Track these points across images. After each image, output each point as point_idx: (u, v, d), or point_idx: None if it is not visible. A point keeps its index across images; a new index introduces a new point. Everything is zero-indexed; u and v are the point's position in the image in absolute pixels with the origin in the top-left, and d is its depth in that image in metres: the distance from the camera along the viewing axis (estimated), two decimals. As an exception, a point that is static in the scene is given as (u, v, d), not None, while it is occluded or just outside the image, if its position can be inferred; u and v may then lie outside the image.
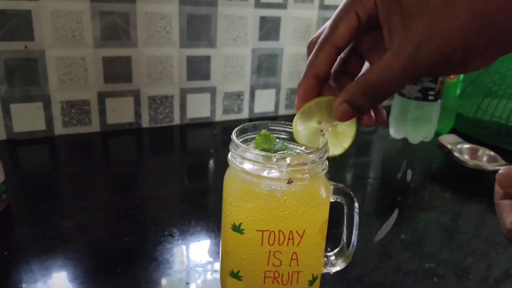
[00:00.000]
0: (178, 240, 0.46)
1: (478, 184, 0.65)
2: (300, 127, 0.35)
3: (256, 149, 0.37)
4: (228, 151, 0.34)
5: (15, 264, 0.41)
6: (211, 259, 0.44)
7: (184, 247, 0.45)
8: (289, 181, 0.32)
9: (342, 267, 0.39)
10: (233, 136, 0.34)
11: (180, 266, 0.42)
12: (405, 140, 0.80)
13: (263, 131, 0.37)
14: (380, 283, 0.42)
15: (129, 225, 0.49)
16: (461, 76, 0.80)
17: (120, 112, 0.74)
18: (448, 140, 0.69)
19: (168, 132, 0.78)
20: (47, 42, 0.66)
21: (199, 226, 0.49)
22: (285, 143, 0.37)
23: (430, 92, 0.74)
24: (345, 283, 0.42)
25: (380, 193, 0.63)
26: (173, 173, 0.64)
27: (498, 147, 0.74)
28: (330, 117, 0.35)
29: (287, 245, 0.33)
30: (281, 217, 0.32)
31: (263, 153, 0.32)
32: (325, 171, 0.35)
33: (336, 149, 0.37)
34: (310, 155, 0.32)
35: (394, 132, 0.81)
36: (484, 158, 0.66)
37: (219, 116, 0.83)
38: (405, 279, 0.43)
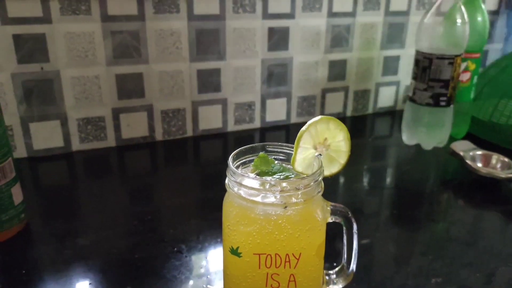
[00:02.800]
0: (186, 257, 0.48)
1: (491, 192, 0.63)
2: (298, 157, 0.35)
3: (254, 171, 0.38)
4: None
5: (32, 282, 0.44)
6: (216, 277, 0.45)
7: (192, 264, 0.47)
8: (285, 206, 0.32)
9: (343, 286, 0.39)
10: (229, 161, 0.35)
11: (186, 283, 0.44)
12: (418, 146, 0.79)
13: (261, 154, 0.38)
14: (384, 299, 0.42)
15: (140, 242, 0.51)
16: (475, 79, 0.78)
17: (135, 127, 0.77)
18: (461, 147, 0.68)
19: (182, 144, 0.80)
20: (62, 63, 0.68)
21: (207, 242, 0.50)
22: (283, 165, 0.38)
23: (441, 98, 0.73)
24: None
25: (388, 202, 0.63)
26: (186, 186, 0.66)
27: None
28: (322, 136, 0.36)
29: (284, 267, 0.34)
30: (277, 241, 0.33)
31: (257, 179, 0.33)
32: (321, 193, 0.35)
33: (333, 167, 0.37)
34: (304, 180, 0.33)
35: (407, 138, 0.80)
36: (498, 165, 0.65)
37: (231, 127, 0.84)
38: (410, 295, 0.43)
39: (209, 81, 0.79)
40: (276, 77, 0.84)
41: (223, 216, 0.36)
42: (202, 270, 0.46)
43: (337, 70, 0.89)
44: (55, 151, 0.72)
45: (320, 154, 0.36)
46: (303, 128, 0.35)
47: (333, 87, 0.91)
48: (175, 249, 0.49)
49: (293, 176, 0.36)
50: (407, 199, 0.63)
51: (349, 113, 0.95)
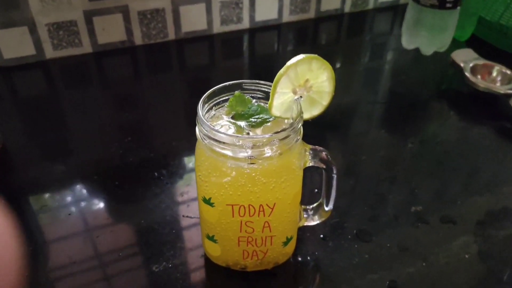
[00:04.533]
0: (167, 183, 0.47)
1: (487, 107, 0.61)
2: (276, 102, 0.32)
3: (230, 112, 0.35)
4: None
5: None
6: (197, 206, 0.45)
7: (173, 191, 0.46)
8: (251, 163, 0.30)
9: (320, 221, 0.39)
10: (199, 108, 0.32)
11: (166, 212, 0.44)
12: (417, 51, 0.73)
13: (237, 92, 0.35)
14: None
15: (120, 167, 0.50)
16: (489, -25, 0.70)
17: (110, 31, 0.70)
18: (462, 56, 0.64)
19: (164, 48, 0.74)
20: (18, -41, 0.60)
21: (188, 166, 0.50)
22: (261, 104, 0.35)
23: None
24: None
25: (378, 115, 0.61)
26: (169, 95, 0.63)
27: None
28: (303, 78, 0.32)
29: (258, 216, 0.33)
30: (251, 193, 0.32)
31: (227, 134, 0.31)
32: (299, 140, 0.33)
33: (314, 110, 0.35)
34: (279, 134, 0.30)
35: (406, 42, 0.74)
36: (499, 78, 0.61)
37: (217, 28, 0.77)
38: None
39: (190, -23, 0.70)
40: (266, -30, 0.75)
41: (195, 165, 0.34)
42: (183, 198, 0.46)
43: (336, -41, 0.79)
44: (28, 59, 0.68)
45: (300, 97, 0.33)
46: (281, 70, 0.31)
47: (331, -21, 0.81)
48: (156, 174, 0.49)
49: (271, 119, 0.34)
50: (397, 110, 0.61)
51: (347, 8, 0.87)
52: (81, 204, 0.45)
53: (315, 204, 0.39)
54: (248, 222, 0.33)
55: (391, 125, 0.59)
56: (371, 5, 0.88)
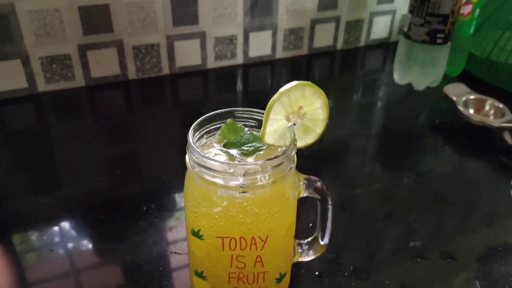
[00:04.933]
0: (155, 218, 0.46)
1: (481, 141, 0.60)
2: (269, 129, 0.31)
3: (221, 141, 0.34)
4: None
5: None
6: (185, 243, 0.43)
7: (161, 226, 0.45)
8: (243, 191, 0.29)
9: (315, 257, 0.38)
10: (189, 136, 0.31)
11: (153, 248, 0.42)
12: (409, 86, 0.74)
13: (229, 121, 0.34)
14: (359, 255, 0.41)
15: (107, 200, 0.48)
16: (476, 12, 0.71)
17: (104, 65, 0.70)
18: (454, 90, 0.64)
19: (157, 83, 0.74)
20: (14, -6, 0.60)
21: (178, 200, 0.48)
22: (254, 133, 0.34)
23: (438, 35, 0.67)
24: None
25: (372, 149, 0.60)
26: (161, 129, 0.62)
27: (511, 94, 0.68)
28: (297, 105, 0.31)
29: (250, 249, 0.31)
30: (242, 224, 0.30)
31: (218, 162, 0.29)
32: (293, 169, 0.32)
33: (308, 138, 0.34)
34: (272, 161, 0.29)
35: (399, 77, 0.75)
36: (492, 111, 0.61)
37: (211, 63, 0.78)
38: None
39: (184, 12, 0.71)
40: (260, 7, 0.76)
41: (184, 195, 0.32)
42: (171, 233, 0.44)
43: (328, -2, 0.81)
44: (20, 92, 0.67)
45: (294, 124, 0.32)
46: (274, 97, 0.31)
47: (323, 17, 0.83)
48: (144, 208, 0.47)
49: (264, 147, 0.33)
50: (390, 145, 0.60)
51: (339, 46, 0.88)
52: (63, 239, 0.43)
53: (310, 238, 0.38)
54: (239, 257, 0.32)
55: (386, 159, 0.58)
56: (362, 42, 0.90)
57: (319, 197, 0.34)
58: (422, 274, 0.40)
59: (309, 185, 0.33)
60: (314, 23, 0.83)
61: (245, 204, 0.30)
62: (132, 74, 0.73)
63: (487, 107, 0.62)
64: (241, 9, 0.75)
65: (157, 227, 0.44)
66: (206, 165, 0.29)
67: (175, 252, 0.42)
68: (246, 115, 0.35)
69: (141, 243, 0.42)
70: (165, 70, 0.75)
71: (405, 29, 0.70)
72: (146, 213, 0.46)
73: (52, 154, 0.57)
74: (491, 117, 0.60)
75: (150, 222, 0.45)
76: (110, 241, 0.43)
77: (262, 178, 0.29)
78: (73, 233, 0.44)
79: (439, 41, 0.68)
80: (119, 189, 0.50)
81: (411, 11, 0.68)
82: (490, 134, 0.60)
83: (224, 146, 0.33)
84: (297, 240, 0.38)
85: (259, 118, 0.34)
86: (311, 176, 0.34)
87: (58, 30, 0.65)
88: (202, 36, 0.75)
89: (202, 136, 0.34)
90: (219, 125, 0.34)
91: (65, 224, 0.45)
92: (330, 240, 0.36)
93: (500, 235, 0.45)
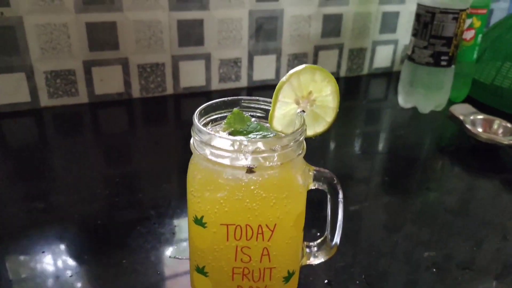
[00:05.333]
0: (154, 223, 0.43)
1: (490, 159, 0.59)
2: (278, 113, 0.30)
3: (227, 129, 0.32)
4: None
5: (-21, 250, 0.39)
6: (185, 247, 0.40)
7: (160, 232, 0.42)
8: (249, 171, 0.27)
9: (325, 259, 0.35)
10: (195, 118, 0.30)
11: (151, 253, 0.39)
12: (414, 109, 0.74)
13: (236, 109, 0.33)
14: (373, 269, 0.38)
15: (104, 207, 0.46)
16: (479, 38, 0.72)
17: (109, 82, 0.70)
18: (460, 110, 0.63)
19: (161, 102, 0.74)
20: (24, 8, 0.61)
21: (179, 208, 0.46)
22: (261, 123, 0.33)
23: (442, 57, 0.67)
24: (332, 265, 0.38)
25: (380, 169, 0.59)
26: (163, 147, 0.61)
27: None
28: (306, 89, 0.30)
29: (256, 240, 0.29)
30: (248, 209, 0.28)
31: (225, 138, 0.28)
32: (302, 155, 0.30)
33: (318, 126, 0.32)
34: (281, 140, 0.28)
35: (403, 100, 0.75)
36: (500, 130, 0.60)
37: (215, 85, 0.78)
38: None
39: (190, 33, 0.72)
40: (265, 32, 0.78)
41: (187, 181, 0.31)
42: (170, 239, 0.41)
43: (332, 25, 0.83)
44: (21, 106, 0.66)
45: (303, 111, 0.31)
46: (283, 78, 0.30)
47: (327, 44, 0.84)
48: (143, 215, 0.44)
49: (271, 136, 0.31)
50: (399, 165, 0.58)
51: (342, 73, 0.89)
52: (55, 242, 0.40)
53: (319, 240, 0.35)
54: (244, 248, 0.29)
55: (395, 176, 0.56)
56: (365, 70, 0.91)
57: (329, 190, 0.32)
58: (438, 285, 0.37)
59: (319, 176, 0.32)
60: (317, 49, 0.84)
61: (252, 187, 0.28)
62: (136, 92, 0.73)
63: (495, 126, 0.61)
64: (246, 33, 0.76)
65: (155, 232, 0.42)
66: (213, 143, 0.28)
67: (175, 257, 0.39)
68: (253, 105, 0.34)
69: (138, 248, 0.40)
70: (169, 90, 0.75)
71: (409, 52, 0.71)
72: (145, 219, 0.44)
73: (51, 166, 0.56)
74: (500, 135, 0.59)
75: (149, 227, 0.42)
76: (105, 244, 0.41)
77: (271, 159, 0.28)
78: (66, 236, 0.41)
79: (443, 63, 0.68)
80: (117, 197, 0.47)
81: (415, 34, 0.69)
82: (498, 152, 0.59)
83: (230, 134, 0.32)
84: (305, 242, 0.35)
85: (266, 107, 0.33)
86: (321, 168, 0.32)
87: (64, 45, 0.65)
88: (207, 58, 0.75)
89: (207, 124, 0.32)
90: (225, 114, 0.33)
91: (58, 228, 0.42)
92: (339, 247, 0.34)
93: (518, 248, 0.42)
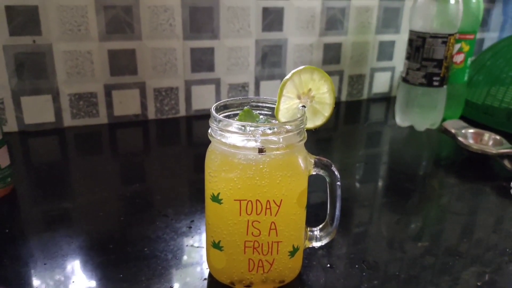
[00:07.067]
0: (172, 219, 0.47)
1: (482, 168, 0.63)
2: (282, 106, 0.35)
3: (239, 123, 0.37)
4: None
5: (15, 239, 0.43)
6: (201, 237, 0.44)
7: (177, 225, 0.46)
8: (261, 151, 0.32)
9: (327, 242, 0.39)
10: (212, 110, 0.35)
11: (169, 242, 0.43)
12: (411, 127, 0.79)
13: (246, 108, 0.38)
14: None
15: (127, 211, 0.50)
16: (468, 61, 0.78)
17: (127, 104, 0.76)
18: (453, 125, 0.68)
19: (174, 123, 0.79)
20: (54, 36, 0.68)
21: (194, 212, 0.50)
22: (269, 119, 0.38)
23: (434, 78, 0.73)
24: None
25: (384, 183, 0.63)
26: (177, 166, 0.65)
27: (509, 134, 0.72)
28: (306, 87, 0.35)
29: (265, 214, 0.33)
30: (258, 186, 0.33)
31: (238, 123, 0.33)
32: (303, 141, 0.35)
33: (317, 120, 0.37)
34: (284, 125, 0.33)
35: (400, 119, 0.80)
36: (490, 142, 0.65)
37: (224, 108, 0.84)
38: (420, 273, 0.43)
39: (202, 60, 0.79)
40: (270, 59, 0.84)
41: (205, 165, 0.35)
42: (188, 231, 0.46)
43: (332, 53, 0.89)
44: (46, 126, 0.72)
45: (304, 106, 0.36)
46: (287, 76, 0.35)
47: (328, 70, 0.90)
48: (162, 213, 0.49)
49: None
50: (398, 178, 0.63)
51: (343, 98, 0.95)
52: (83, 234, 0.45)
53: (321, 225, 0.39)
54: (255, 222, 0.34)
55: (394, 179, 0.60)
56: (365, 95, 0.96)
57: (328, 175, 0.36)
58: (430, 268, 0.41)
59: (319, 163, 0.36)
60: (319, 75, 0.90)
61: (261, 166, 0.33)
62: (151, 114, 0.79)
63: (485, 138, 0.65)
64: (253, 60, 0.83)
65: (173, 227, 0.46)
66: (229, 128, 0.33)
67: (192, 245, 0.43)
68: (261, 104, 0.39)
69: (157, 238, 0.44)
70: (182, 112, 0.81)
71: (403, 74, 0.77)
72: (163, 216, 0.48)
73: (73, 179, 0.60)
74: (490, 146, 0.64)
75: (167, 222, 0.47)
76: (128, 235, 0.45)
77: (277, 141, 0.33)
78: (91, 232, 0.45)
79: (435, 83, 0.73)
80: (136, 198, 0.52)
81: (408, 57, 0.75)
82: (490, 162, 0.63)
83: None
84: (308, 228, 0.39)
85: (273, 106, 0.38)
86: (321, 157, 0.37)
87: (88, 70, 0.72)
88: (217, 82, 0.82)
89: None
90: (236, 112, 0.38)
91: (84, 225, 0.47)
92: (339, 235, 0.38)
93: (508, 239, 0.46)
